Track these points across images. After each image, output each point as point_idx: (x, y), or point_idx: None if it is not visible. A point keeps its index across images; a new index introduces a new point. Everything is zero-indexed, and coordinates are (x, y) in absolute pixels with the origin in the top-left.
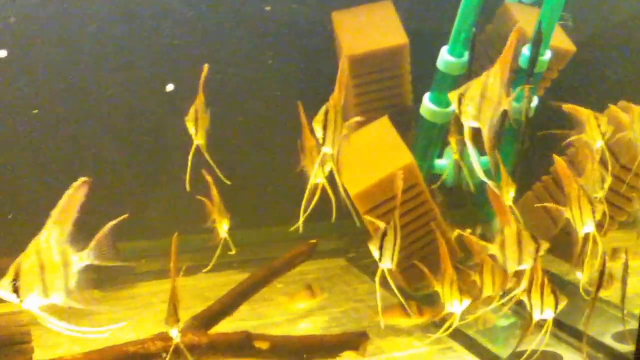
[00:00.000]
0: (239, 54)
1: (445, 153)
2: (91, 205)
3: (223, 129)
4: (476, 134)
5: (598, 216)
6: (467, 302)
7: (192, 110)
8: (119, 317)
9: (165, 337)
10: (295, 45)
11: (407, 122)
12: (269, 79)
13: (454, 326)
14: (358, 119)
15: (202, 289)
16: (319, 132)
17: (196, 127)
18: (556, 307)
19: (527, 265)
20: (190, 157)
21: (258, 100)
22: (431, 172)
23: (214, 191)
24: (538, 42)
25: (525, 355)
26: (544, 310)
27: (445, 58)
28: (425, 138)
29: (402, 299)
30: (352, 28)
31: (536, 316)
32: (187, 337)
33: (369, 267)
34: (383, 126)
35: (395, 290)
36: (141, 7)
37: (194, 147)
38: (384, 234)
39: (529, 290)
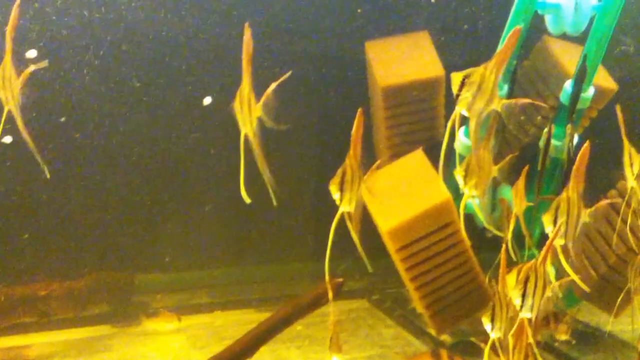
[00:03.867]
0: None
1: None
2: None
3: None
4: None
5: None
6: None
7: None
8: (135, 355)
9: None
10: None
11: (440, 157)
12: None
13: None
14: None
15: (218, 327)
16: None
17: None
18: None
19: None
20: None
21: (286, 136)
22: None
23: None
24: (581, 78)
25: None
26: None
27: None
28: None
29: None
30: (386, 58)
31: None
32: None
33: (394, 310)
34: (417, 159)
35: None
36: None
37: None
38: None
39: None
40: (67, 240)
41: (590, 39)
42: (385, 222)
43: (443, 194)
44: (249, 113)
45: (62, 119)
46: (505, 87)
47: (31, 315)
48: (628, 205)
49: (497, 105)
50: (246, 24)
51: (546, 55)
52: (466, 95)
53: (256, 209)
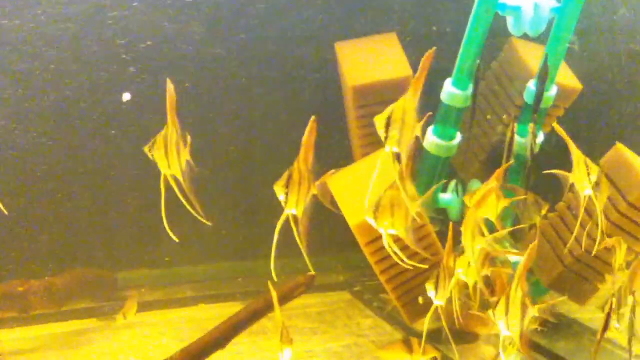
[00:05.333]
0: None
1: (449, 187)
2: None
3: (230, 156)
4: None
5: None
6: None
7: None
8: (116, 348)
9: None
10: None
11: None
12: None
13: None
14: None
15: (201, 320)
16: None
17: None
18: None
19: None
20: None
21: (265, 132)
22: (435, 206)
23: None
24: (544, 77)
25: None
26: None
27: (449, 90)
28: (429, 172)
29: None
30: (356, 59)
31: None
32: None
33: (373, 301)
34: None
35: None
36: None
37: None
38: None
39: None
40: (51, 236)
41: (551, 40)
42: (353, 217)
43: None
44: (177, 156)
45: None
46: (470, 87)
47: (10, 310)
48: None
49: (418, 130)
50: (167, 80)
51: (512, 56)
52: (394, 133)
53: (239, 206)
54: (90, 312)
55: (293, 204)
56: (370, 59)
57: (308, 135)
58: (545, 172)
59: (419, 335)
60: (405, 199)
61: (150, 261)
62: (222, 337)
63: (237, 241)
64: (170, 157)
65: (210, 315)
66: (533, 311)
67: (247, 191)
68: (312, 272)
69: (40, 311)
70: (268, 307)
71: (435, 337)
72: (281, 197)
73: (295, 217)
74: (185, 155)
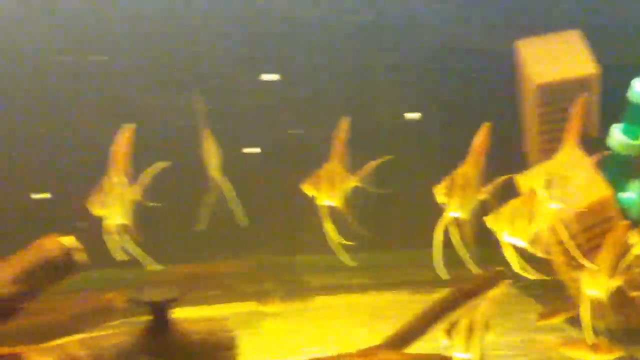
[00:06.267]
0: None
1: (629, 186)
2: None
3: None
4: None
5: None
6: None
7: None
8: (290, 329)
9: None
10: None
11: (591, 154)
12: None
13: None
14: None
15: (376, 308)
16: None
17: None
18: None
19: None
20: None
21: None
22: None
23: None
24: None
25: None
26: None
27: (639, 90)
28: (613, 170)
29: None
30: (540, 57)
31: None
32: (383, 354)
33: (541, 297)
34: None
35: None
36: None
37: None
38: None
39: None
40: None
41: None
42: None
43: (604, 189)
44: (340, 189)
45: None
46: None
47: (215, 289)
48: None
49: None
50: (344, 119)
51: None
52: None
53: (398, 197)
54: (267, 294)
55: (455, 207)
56: (554, 57)
57: (480, 142)
58: None
59: (599, 334)
60: None
61: (322, 247)
62: (425, 325)
63: (403, 231)
64: (335, 190)
65: (384, 302)
66: None
67: (408, 183)
68: (501, 268)
69: (237, 290)
70: (462, 300)
71: (622, 337)
72: (441, 200)
73: (458, 220)
74: (353, 183)
